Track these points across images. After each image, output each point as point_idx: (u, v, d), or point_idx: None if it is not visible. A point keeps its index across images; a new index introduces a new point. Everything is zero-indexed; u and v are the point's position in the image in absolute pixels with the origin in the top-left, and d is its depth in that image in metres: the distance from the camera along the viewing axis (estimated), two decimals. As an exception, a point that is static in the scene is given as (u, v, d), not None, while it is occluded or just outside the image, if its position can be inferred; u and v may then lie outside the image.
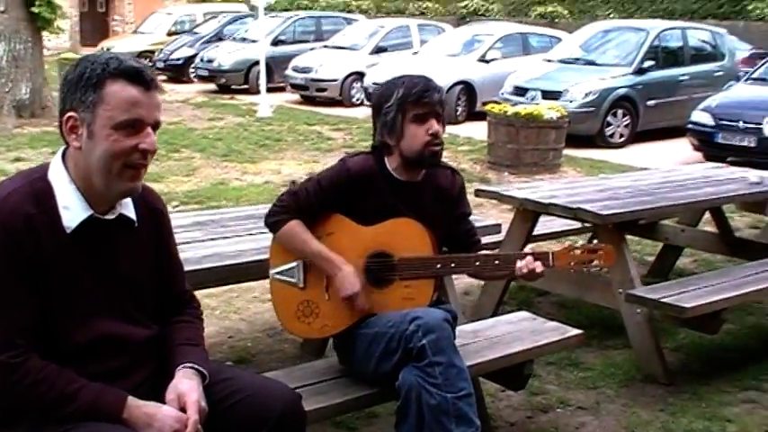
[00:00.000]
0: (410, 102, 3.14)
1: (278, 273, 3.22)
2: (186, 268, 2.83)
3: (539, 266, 3.07)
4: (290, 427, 2.44)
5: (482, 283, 5.28)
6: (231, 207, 7.11)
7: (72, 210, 2.26)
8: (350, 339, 3.17)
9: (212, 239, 3.74)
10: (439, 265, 3.16)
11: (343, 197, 3.20)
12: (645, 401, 4.34)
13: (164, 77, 22.65)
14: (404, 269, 3.13)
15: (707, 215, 6.41)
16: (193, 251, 3.48)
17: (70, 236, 2.26)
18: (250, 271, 3.52)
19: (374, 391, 3.14)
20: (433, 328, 2.92)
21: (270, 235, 3.28)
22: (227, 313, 5.44)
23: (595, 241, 5.00)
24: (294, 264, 3.19)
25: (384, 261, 3.15)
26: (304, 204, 3.20)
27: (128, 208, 2.39)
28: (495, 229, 4.24)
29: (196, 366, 2.41)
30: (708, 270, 6.18)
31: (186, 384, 2.34)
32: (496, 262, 3.19)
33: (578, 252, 3.13)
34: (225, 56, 20.19)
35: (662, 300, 4.27)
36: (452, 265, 3.18)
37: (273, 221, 3.22)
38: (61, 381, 2.21)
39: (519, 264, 3.08)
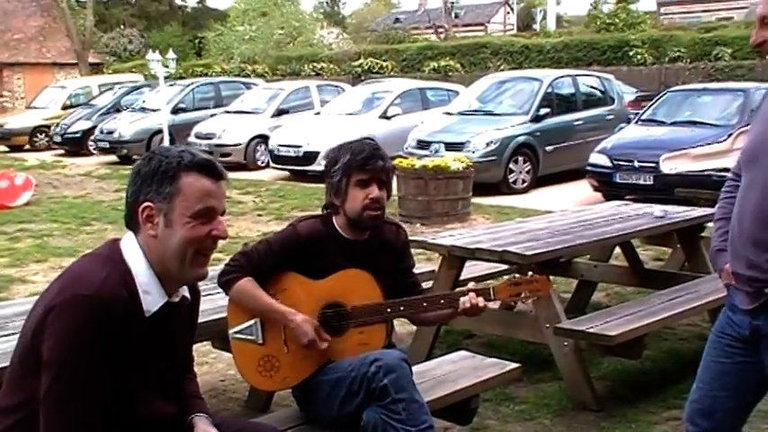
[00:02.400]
0: (354, 167, 3.37)
1: (237, 332, 3.38)
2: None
3: (481, 301, 3.28)
4: None
5: (413, 330, 5.53)
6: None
7: (152, 294, 2.37)
8: (311, 387, 3.34)
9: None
10: (389, 310, 3.36)
11: (294, 259, 3.39)
12: (580, 428, 4.60)
13: (62, 151, 22.44)
14: (357, 316, 3.33)
15: (616, 250, 6.80)
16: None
17: (148, 320, 2.36)
18: (210, 330, 3.65)
19: (338, 433, 3.31)
20: (394, 368, 3.12)
21: (224, 294, 3.45)
22: (168, 378, 5.49)
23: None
24: (252, 322, 3.35)
25: (337, 310, 3.34)
26: (255, 263, 3.38)
27: (185, 289, 2.52)
28: (431, 275, 4.47)
29: (205, 416, 2.60)
30: (621, 302, 6.54)
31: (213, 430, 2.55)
32: (441, 301, 3.40)
33: (516, 284, 3.34)
34: (125, 126, 20.11)
35: (589, 330, 4.56)
36: (401, 308, 3.38)
37: (225, 280, 3.40)
38: None
39: (463, 299, 3.30)
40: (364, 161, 3.37)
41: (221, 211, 2.41)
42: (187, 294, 2.52)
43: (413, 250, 3.82)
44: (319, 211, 3.56)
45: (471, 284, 3.36)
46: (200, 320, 3.56)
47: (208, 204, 2.36)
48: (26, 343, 2.30)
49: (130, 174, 2.41)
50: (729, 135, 11.89)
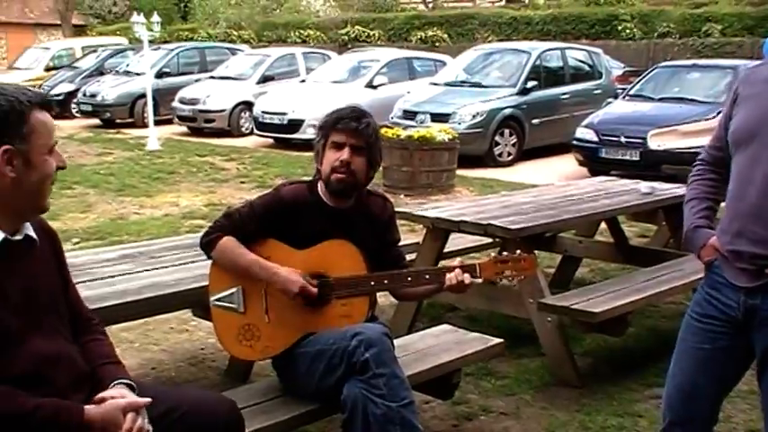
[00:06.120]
0: (329, 127, 3.33)
1: (217, 299, 3.31)
2: (126, 299, 2.90)
3: (467, 278, 3.23)
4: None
5: (395, 302, 5.47)
6: (134, 241, 7.07)
7: None
8: (291, 359, 3.29)
9: (147, 270, 3.80)
10: (373, 283, 3.30)
11: (276, 223, 3.32)
12: (561, 404, 4.57)
13: (44, 114, 22.17)
14: (339, 288, 3.27)
15: (602, 226, 6.76)
16: (129, 282, 3.54)
17: None
18: (188, 299, 3.60)
19: (318, 406, 3.26)
20: (375, 342, 3.07)
21: (206, 262, 3.38)
22: (146, 345, 5.44)
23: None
24: (233, 290, 3.29)
25: (321, 281, 3.27)
26: (238, 225, 3.32)
27: (29, 229, 2.48)
28: (416, 247, 4.42)
29: (127, 381, 2.51)
30: (604, 278, 6.51)
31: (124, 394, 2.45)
32: (427, 276, 3.35)
33: (503, 262, 3.29)
34: (108, 90, 19.93)
35: (573, 306, 4.52)
36: (385, 281, 3.32)
37: (207, 241, 3.33)
38: (16, 399, 2.26)
39: (448, 276, 3.25)
40: (337, 120, 3.33)
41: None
42: (32, 234, 2.48)
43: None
44: (306, 178, 3.51)
45: (458, 261, 3.30)
46: (178, 289, 3.56)
47: (55, 139, 2.44)
48: None
49: None
50: (718, 113, 11.81)
